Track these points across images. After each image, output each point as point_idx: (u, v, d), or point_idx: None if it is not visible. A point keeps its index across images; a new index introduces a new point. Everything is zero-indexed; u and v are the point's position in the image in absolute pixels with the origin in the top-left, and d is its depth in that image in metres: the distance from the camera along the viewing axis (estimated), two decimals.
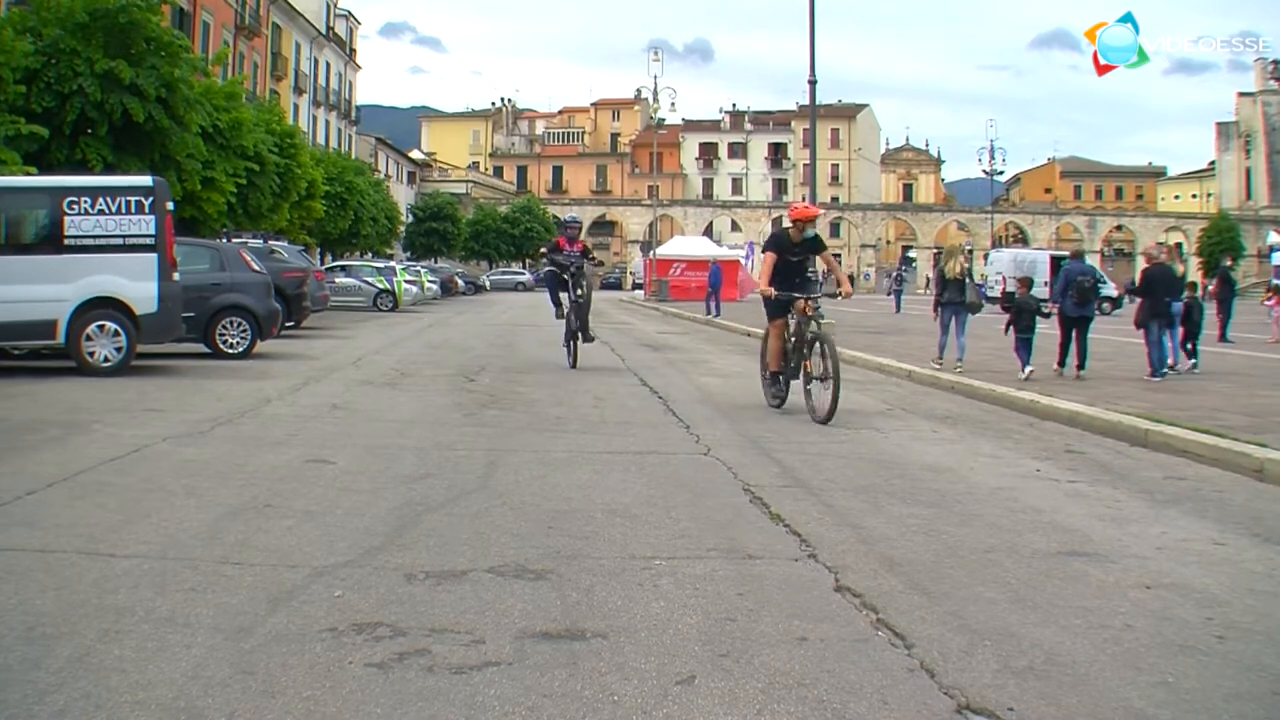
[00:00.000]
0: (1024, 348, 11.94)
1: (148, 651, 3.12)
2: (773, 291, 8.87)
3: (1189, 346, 13.60)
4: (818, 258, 9.48)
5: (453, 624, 3.42)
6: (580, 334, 12.63)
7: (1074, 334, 12.13)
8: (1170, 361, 12.85)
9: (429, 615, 3.50)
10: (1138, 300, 12.85)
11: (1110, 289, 31.03)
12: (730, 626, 3.48)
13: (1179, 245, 68.03)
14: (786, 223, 9.33)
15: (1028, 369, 11.69)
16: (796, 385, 8.92)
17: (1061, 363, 12.18)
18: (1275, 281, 24.02)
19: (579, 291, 12.52)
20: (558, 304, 13.21)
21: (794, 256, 9.06)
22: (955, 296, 12.73)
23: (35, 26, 17.22)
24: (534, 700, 2.84)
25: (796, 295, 8.82)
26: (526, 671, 3.04)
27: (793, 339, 8.90)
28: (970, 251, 66.29)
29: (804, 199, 18.87)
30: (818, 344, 8.52)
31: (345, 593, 3.73)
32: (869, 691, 2.96)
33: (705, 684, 2.99)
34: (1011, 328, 12.21)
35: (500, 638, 3.30)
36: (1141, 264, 13.59)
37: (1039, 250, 46.85)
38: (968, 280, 12.87)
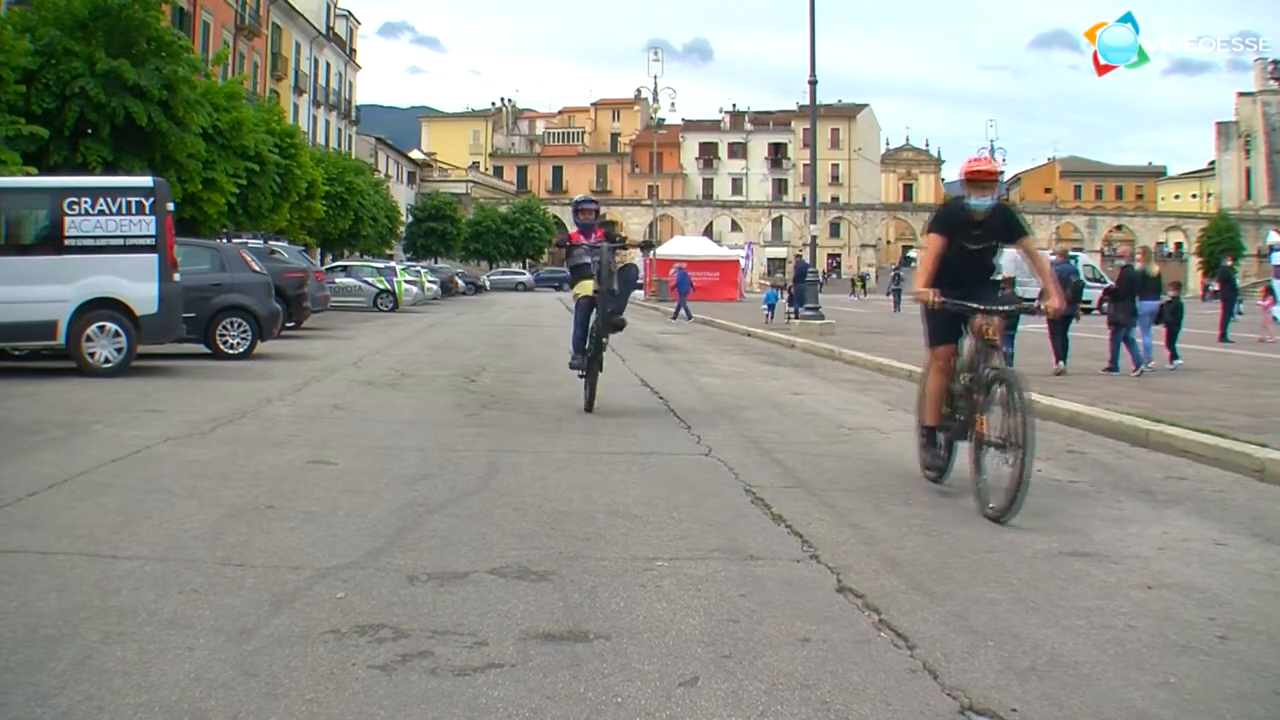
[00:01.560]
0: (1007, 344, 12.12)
1: (150, 653, 3.12)
2: (934, 296, 5.53)
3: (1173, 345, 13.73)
4: (1012, 248, 6.12)
5: (455, 625, 3.42)
6: (596, 354, 9.10)
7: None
8: (1169, 357, 13.04)
9: (431, 617, 3.50)
10: (1115, 301, 12.97)
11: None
12: (733, 628, 3.48)
13: (1179, 246, 68.02)
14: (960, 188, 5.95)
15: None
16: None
17: (1060, 360, 12.36)
18: (1274, 281, 24.00)
19: (606, 285, 8.93)
20: (581, 350, 9.02)
21: (973, 243, 5.68)
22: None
23: (34, 25, 17.21)
24: (537, 702, 2.84)
25: (974, 306, 5.48)
26: (529, 673, 3.04)
27: (965, 377, 5.58)
28: None
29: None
30: (999, 388, 5.26)
31: (347, 594, 3.73)
32: (872, 693, 2.96)
33: (708, 685, 2.98)
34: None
35: (503, 639, 3.30)
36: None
37: (1039, 250, 46.77)
38: None
